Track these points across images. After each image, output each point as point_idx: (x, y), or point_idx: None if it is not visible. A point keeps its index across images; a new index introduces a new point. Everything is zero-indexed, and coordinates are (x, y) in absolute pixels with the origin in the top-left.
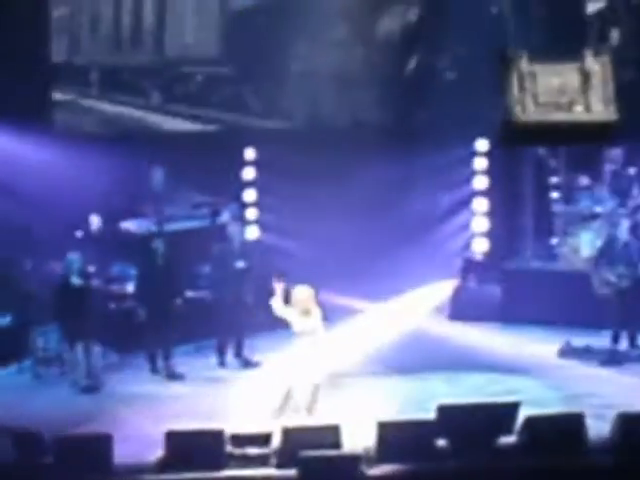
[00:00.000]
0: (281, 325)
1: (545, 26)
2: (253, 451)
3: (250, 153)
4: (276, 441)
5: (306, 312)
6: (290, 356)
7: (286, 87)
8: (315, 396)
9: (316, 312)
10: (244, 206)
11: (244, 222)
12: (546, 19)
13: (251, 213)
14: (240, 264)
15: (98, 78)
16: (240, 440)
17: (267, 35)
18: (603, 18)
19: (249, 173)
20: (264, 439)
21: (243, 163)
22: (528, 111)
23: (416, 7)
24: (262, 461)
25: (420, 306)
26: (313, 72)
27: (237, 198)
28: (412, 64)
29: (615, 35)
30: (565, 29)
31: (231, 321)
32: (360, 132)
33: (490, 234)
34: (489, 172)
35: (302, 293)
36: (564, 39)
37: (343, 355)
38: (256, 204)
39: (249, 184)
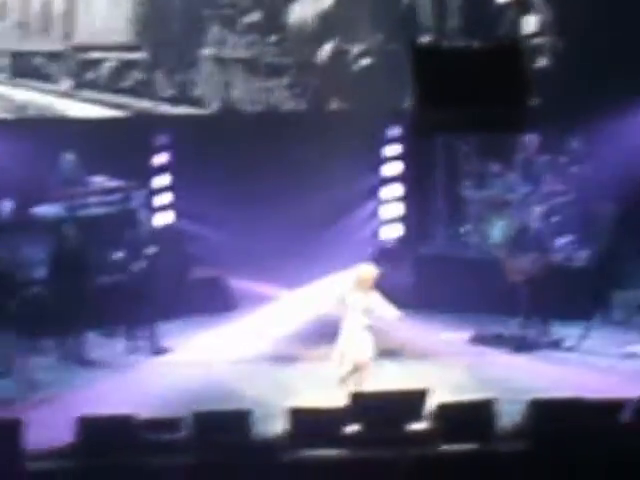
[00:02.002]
0: (191, 311)
1: (459, 14)
2: (164, 437)
3: (162, 139)
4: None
5: (368, 291)
6: (349, 333)
7: (198, 73)
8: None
9: (374, 292)
10: (155, 192)
11: (153, 208)
12: (460, 7)
13: (163, 199)
14: (151, 250)
15: (7, 64)
16: (151, 426)
17: (179, 20)
18: (517, 6)
19: (160, 159)
20: (175, 425)
21: (155, 149)
22: (439, 97)
23: None
24: (173, 447)
25: (333, 292)
26: (226, 58)
27: (148, 184)
28: (326, 51)
29: (529, 23)
30: (479, 17)
31: (142, 307)
32: (274, 118)
33: (403, 220)
34: (402, 158)
35: (369, 273)
36: (478, 27)
37: (256, 341)
38: (168, 189)
39: (161, 170)
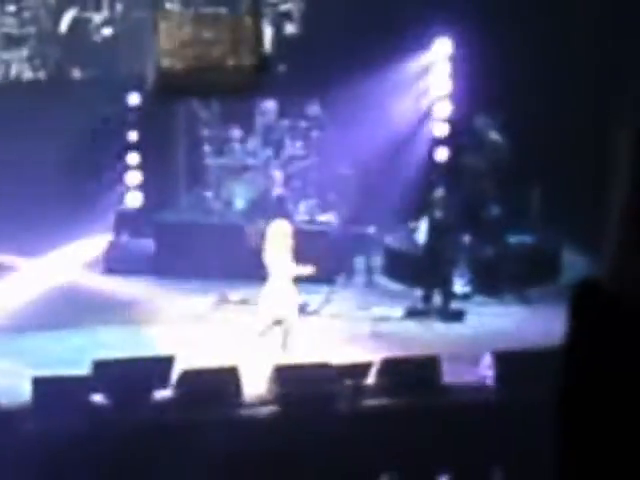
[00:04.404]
0: None
1: None
2: None
3: None
4: None
5: (286, 246)
6: (269, 287)
7: None
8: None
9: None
10: None
11: None
12: None
13: None
14: None
15: None
16: None
17: None
18: None
19: None
20: None
21: None
22: (178, 63)
23: None
24: None
25: (73, 261)
26: None
27: None
28: (67, 20)
29: None
30: None
31: None
32: (15, 89)
33: (143, 187)
34: (141, 125)
35: (286, 227)
36: None
37: None
38: None
39: None
